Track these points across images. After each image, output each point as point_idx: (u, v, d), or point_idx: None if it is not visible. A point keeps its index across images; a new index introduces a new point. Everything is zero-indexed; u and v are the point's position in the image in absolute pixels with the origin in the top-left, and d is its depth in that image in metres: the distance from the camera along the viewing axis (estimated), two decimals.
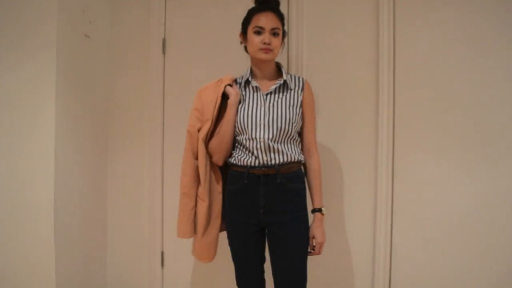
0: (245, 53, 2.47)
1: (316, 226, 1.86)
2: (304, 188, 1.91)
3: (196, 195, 1.98)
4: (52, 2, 2.07)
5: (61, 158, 2.12)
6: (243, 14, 2.49)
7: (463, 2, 2.35)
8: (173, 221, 2.55)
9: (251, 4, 2.47)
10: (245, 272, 1.94)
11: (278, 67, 1.95)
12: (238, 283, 1.97)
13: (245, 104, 1.88)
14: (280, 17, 1.86)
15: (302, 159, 1.89)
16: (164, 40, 2.54)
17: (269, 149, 1.81)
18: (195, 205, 1.99)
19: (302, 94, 1.90)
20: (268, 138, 1.80)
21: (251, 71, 1.93)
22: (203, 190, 1.94)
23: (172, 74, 2.55)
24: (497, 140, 2.35)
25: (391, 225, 2.40)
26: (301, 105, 1.89)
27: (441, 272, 2.40)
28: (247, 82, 1.91)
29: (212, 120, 1.88)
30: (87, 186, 2.41)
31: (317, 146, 1.97)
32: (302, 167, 1.93)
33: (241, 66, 2.48)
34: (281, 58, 2.43)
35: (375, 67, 2.39)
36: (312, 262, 1.93)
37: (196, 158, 1.96)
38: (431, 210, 2.38)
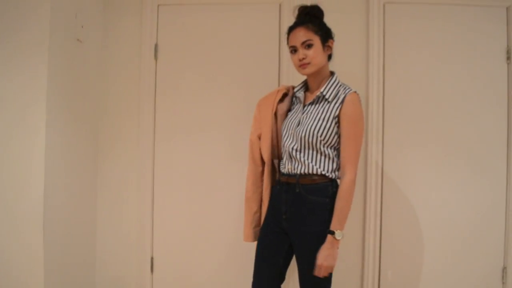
0: (237, 59, 2.52)
1: (323, 248, 1.71)
2: (329, 203, 1.76)
3: (261, 200, 2.04)
4: (45, 7, 2.06)
5: (51, 162, 2.11)
6: (234, 20, 2.54)
7: (450, 19, 2.43)
8: (163, 225, 2.56)
9: (242, 10, 2.52)
10: (259, 274, 1.93)
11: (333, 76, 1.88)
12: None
13: (289, 114, 1.96)
14: (313, 26, 1.80)
15: (327, 173, 1.79)
16: (156, 46, 2.56)
17: (290, 157, 1.84)
18: (260, 209, 2.05)
19: (339, 107, 1.77)
20: (292, 147, 1.83)
21: (306, 82, 1.96)
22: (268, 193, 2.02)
23: (163, 79, 2.56)
24: (483, 147, 2.41)
25: (380, 227, 2.44)
26: (338, 119, 1.78)
27: (428, 272, 2.43)
28: (295, 93, 1.97)
29: (271, 126, 1.97)
30: (76, 190, 2.39)
31: (354, 164, 1.76)
32: (331, 182, 1.80)
33: (232, 72, 2.51)
34: (272, 71, 2.48)
35: (365, 82, 2.44)
36: None
37: (258, 164, 2.05)
38: (419, 213, 2.43)
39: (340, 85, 1.83)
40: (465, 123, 2.41)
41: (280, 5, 2.49)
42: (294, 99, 2.00)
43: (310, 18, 1.83)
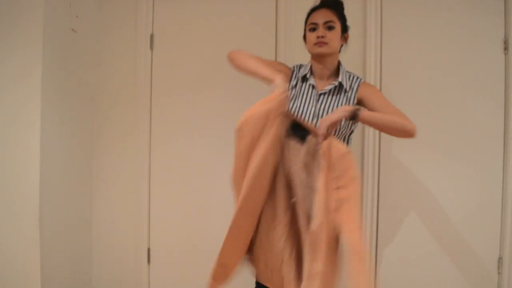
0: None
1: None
2: None
3: None
4: None
5: (46, 154, 2.09)
6: (231, 9, 2.51)
7: (447, 10, 2.42)
8: (160, 217, 2.56)
9: (239, 1, 2.50)
10: None
11: (339, 66, 1.84)
12: None
13: (297, 101, 1.80)
14: (337, 11, 1.80)
15: None
16: (152, 36, 2.53)
17: None
18: None
19: (356, 96, 1.76)
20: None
21: (311, 67, 1.84)
22: None
23: (159, 70, 2.54)
24: (480, 138, 2.41)
25: (377, 221, 2.44)
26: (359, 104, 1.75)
27: (424, 266, 2.44)
28: (305, 79, 1.83)
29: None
30: (72, 181, 2.39)
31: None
32: None
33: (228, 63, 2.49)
34: (269, 54, 2.46)
35: (362, 73, 2.43)
36: None
37: None
38: (415, 205, 2.43)
39: (350, 74, 1.83)
40: (461, 114, 2.40)
41: (276, 0, 2.47)
42: (301, 83, 1.84)
43: (335, 5, 1.82)
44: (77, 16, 2.33)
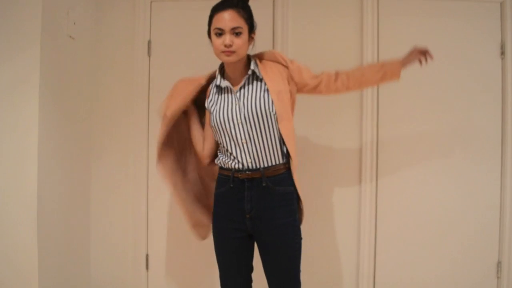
0: None
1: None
2: (294, 191, 1.77)
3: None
4: (36, 3, 2.05)
5: (44, 159, 2.09)
6: None
7: (444, 14, 2.42)
8: (158, 222, 2.56)
9: None
10: (230, 280, 1.83)
11: (249, 59, 1.81)
12: None
13: (218, 105, 1.78)
14: (244, 12, 1.69)
15: (285, 161, 1.76)
16: (149, 42, 2.54)
17: (249, 149, 1.71)
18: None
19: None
20: (249, 137, 1.71)
21: (223, 70, 1.83)
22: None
23: (157, 76, 2.55)
24: (477, 142, 2.41)
25: (375, 225, 2.44)
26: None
27: (423, 271, 2.44)
28: (219, 86, 1.81)
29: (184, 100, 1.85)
30: (70, 187, 2.38)
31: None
32: (290, 170, 1.76)
33: None
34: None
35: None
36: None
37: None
38: (414, 210, 2.43)
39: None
40: (459, 118, 2.41)
41: (273, 1, 2.48)
42: (217, 91, 1.83)
43: (243, 3, 1.71)
44: (74, 23, 2.34)
